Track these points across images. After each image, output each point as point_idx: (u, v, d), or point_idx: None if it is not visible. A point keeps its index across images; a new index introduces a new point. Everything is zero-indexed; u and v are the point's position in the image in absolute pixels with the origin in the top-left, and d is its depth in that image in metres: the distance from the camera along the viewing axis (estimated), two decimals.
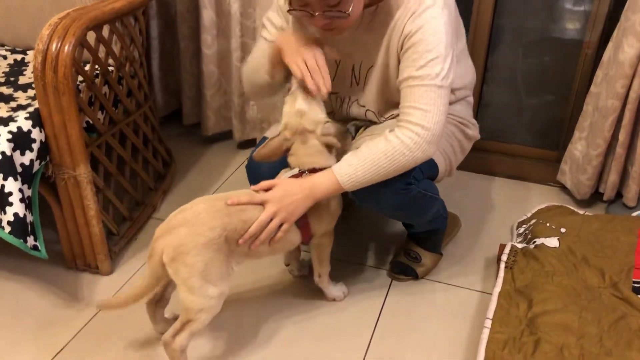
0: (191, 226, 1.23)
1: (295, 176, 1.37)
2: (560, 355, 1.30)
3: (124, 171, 1.84)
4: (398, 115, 1.47)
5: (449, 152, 1.55)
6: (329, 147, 1.38)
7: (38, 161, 1.45)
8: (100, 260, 1.65)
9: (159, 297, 1.40)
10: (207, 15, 2.10)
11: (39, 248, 1.41)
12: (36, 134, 1.43)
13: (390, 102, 1.47)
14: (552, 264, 1.58)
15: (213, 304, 1.26)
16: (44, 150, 1.47)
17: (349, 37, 1.41)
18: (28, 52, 1.97)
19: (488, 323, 1.43)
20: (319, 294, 1.60)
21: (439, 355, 1.44)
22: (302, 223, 1.38)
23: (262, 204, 1.30)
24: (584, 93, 2.00)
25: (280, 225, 1.31)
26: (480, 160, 2.24)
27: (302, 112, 1.35)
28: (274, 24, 1.52)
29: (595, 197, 2.03)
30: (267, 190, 1.32)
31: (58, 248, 1.71)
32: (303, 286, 1.66)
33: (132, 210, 1.88)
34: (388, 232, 1.94)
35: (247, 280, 1.68)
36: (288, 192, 1.31)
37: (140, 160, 1.93)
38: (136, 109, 1.88)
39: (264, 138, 1.57)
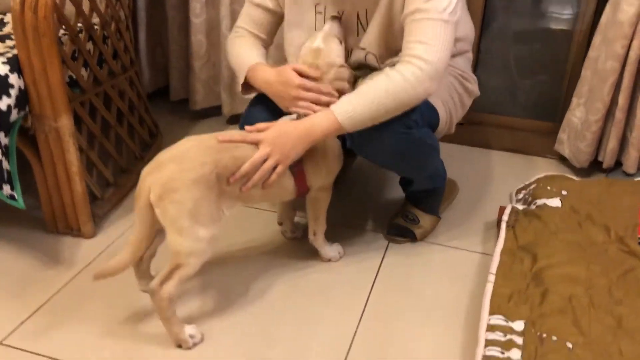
0: (180, 162, 1.15)
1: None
2: (569, 304, 1.24)
3: (108, 135, 1.76)
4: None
5: (450, 103, 1.49)
6: (338, 92, 1.32)
7: (16, 110, 1.37)
8: (83, 222, 1.56)
9: (138, 258, 1.31)
10: None
11: (16, 197, 1.33)
12: (14, 79, 1.35)
13: (392, 47, 1.41)
14: (555, 222, 1.52)
15: (203, 246, 1.18)
16: (23, 99, 1.39)
17: None
18: (7, 13, 1.89)
19: (491, 278, 1.36)
20: (313, 255, 1.53)
21: (441, 315, 1.37)
22: (297, 170, 1.31)
23: (255, 143, 1.23)
24: (580, 62, 1.96)
25: (275, 168, 1.24)
26: (477, 133, 2.20)
27: (319, 51, 1.32)
28: None
29: (594, 166, 1.98)
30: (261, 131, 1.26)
31: (38, 214, 1.62)
32: (297, 247, 1.58)
33: (117, 176, 1.80)
34: (385, 195, 1.88)
35: (238, 239, 1.61)
36: (283, 132, 1.24)
37: (125, 125, 1.85)
38: (122, 71, 1.81)
39: (258, 98, 1.52)
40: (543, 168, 2.05)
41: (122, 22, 1.78)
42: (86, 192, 1.55)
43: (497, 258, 1.43)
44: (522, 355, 1.13)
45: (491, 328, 1.21)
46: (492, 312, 1.26)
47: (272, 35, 1.56)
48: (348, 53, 1.47)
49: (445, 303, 1.40)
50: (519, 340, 1.17)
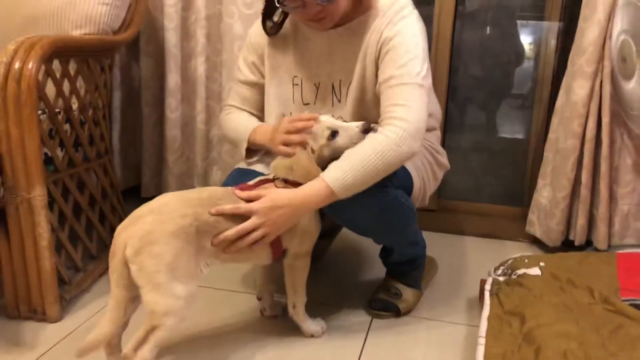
0: (159, 214, 1.13)
1: (265, 181, 1.32)
2: (564, 358, 1.19)
3: (79, 219, 1.72)
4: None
5: (422, 172, 1.52)
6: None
7: None
8: (49, 303, 1.47)
9: (121, 325, 1.22)
10: (173, 79, 2.13)
11: None
12: None
13: (365, 117, 1.47)
14: (537, 287, 1.51)
15: (180, 305, 1.12)
16: None
17: (327, 56, 1.44)
18: None
19: (482, 341, 1.31)
20: (294, 332, 1.45)
21: None
22: (274, 240, 1.29)
23: (248, 214, 1.22)
24: (541, 146, 2.07)
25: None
26: (450, 220, 2.23)
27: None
28: (246, 61, 1.56)
29: (567, 245, 2.01)
30: (250, 200, 1.25)
31: None
32: (277, 325, 1.51)
33: (86, 262, 1.73)
34: (365, 273, 1.85)
35: (214, 318, 1.53)
36: (276, 205, 1.23)
37: (97, 211, 1.82)
38: (97, 157, 1.81)
39: (237, 169, 1.54)
40: (516, 250, 2.06)
41: (99, 110, 1.82)
42: (55, 271, 1.47)
43: (484, 323, 1.39)
44: None
45: None
46: None
47: (261, 111, 1.59)
48: None
49: None
50: None
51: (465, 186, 2.33)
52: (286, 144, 1.35)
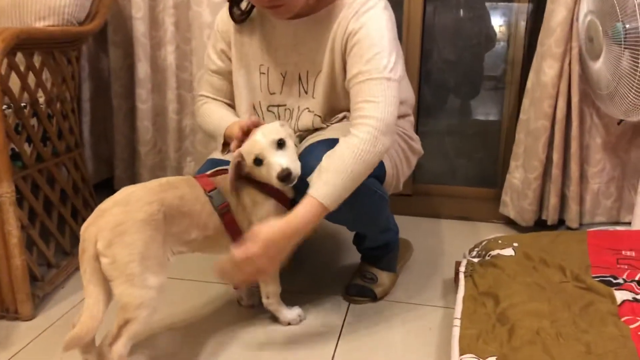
0: (126, 204, 1.13)
1: (223, 170, 1.34)
2: (538, 336, 1.21)
3: (51, 215, 1.69)
4: (342, 118, 1.47)
5: (395, 158, 1.53)
6: None
7: None
8: (21, 302, 1.44)
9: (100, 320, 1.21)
10: (142, 68, 2.10)
11: None
12: None
13: (336, 108, 1.47)
14: (511, 267, 1.53)
15: (153, 295, 1.12)
16: None
17: (293, 45, 1.43)
18: None
19: (457, 322, 1.33)
20: (272, 321, 1.46)
21: None
22: (227, 218, 1.29)
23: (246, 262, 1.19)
24: (513, 127, 2.09)
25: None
26: (424, 203, 2.24)
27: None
28: (215, 49, 1.54)
29: (540, 225, 2.03)
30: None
31: None
32: (254, 314, 1.51)
33: (58, 259, 1.70)
34: (340, 259, 1.85)
35: (189, 309, 1.53)
36: (272, 244, 1.19)
37: (69, 207, 1.79)
38: (66, 152, 1.78)
39: (210, 159, 1.52)
40: (491, 232, 2.08)
41: (67, 103, 1.78)
42: (26, 269, 1.45)
43: (460, 304, 1.41)
44: None
45: None
46: (462, 353, 1.21)
47: (233, 100, 1.57)
48: (290, 112, 1.51)
49: (414, 355, 1.34)
50: None
51: (439, 170, 2.35)
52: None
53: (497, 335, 1.25)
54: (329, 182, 1.23)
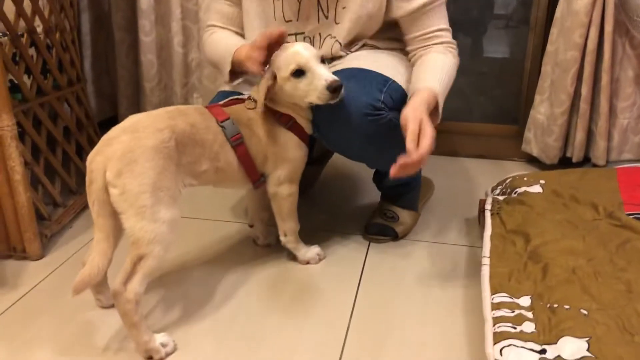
0: (134, 131, 1.04)
1: (237, 100, 1.26)
2: (574, 275, 1.15)
3: (55, 153, 1.61)
4: (362, 46, 1.37)
5: None
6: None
7: None
8: (28, 241, 1.38)
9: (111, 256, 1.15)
10: None
11: None
12: None
13: (361, 35, 1.36)
14: (540, 204, 1.46)
15: (166, 230, 1.04)
16: None
17: None
18: None
19: (486, 261, 1.26)
20: (290, 260, 1.40)
21: (437, 305, 1.25)
22: (239, 150, 1.22)
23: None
24: (537, 60, 1.97)
25: None
26: (442, 141, 2.14)
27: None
28: None
29: (564, 162, 1.95)
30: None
31: None
32: (272, 253, 1.45)
33: (65, 198, 1.64)
34: (360, 198, 1.80)
35: (204, 248, 1.47)
36: (418, 106, 1.18)
37: (73, 144, 1.71)
38: (68, 85, 1.68)
39: (220, 92, 1.43)
40: (513, 170, 2.01)
41: (67, 33, 1.67)
42: (32, 206, 1.38)
43: (488, 243, 1.34)
44: (535, 327, 1.03)
45: (497, 306, 1.11)
46: (494, 292, 1.15)
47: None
48: (310, 40, 1.41)
49: (440, 294, 1.29)
50: (528, 314, 1.07)
51: (456, 107, 2.24)
52: (251, 60, 1.23)
53: (530, 274, 1.19)
54: (437, 79, 1.26)
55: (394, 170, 1.12)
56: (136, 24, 2.02)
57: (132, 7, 2.05)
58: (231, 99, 1.28)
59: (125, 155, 1.00)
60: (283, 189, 1.31)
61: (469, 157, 2.15)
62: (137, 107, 2.18)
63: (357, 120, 1.22)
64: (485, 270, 1.23)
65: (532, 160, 2.05)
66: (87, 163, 1.04)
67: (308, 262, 1.40)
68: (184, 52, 2.06)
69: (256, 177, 1.27)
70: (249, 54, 1.23)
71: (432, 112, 1.23)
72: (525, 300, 1.11)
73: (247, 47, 1.27)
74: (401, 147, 1.36)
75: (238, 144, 1.21)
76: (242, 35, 1.45)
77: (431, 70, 1.28)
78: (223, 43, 1.40)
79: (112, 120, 2.26)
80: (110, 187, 1.01)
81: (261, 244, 1.48)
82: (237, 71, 1.35)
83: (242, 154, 1.22)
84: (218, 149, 1.18)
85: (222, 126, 1.19)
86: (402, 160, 1.11)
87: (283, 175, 1.30)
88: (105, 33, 2.18)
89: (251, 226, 1.47)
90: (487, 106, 2.28)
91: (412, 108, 1.16)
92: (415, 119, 1.14)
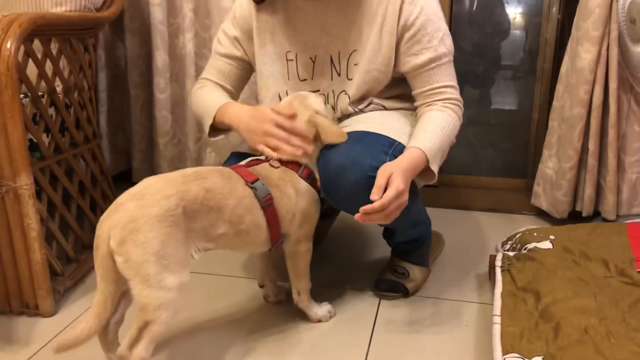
0: (140, 198, 1.04)
1: (258, 161, 1.27)
2: (586, 335, 1.14)
3: (70, 208, 1.64)
4: (369, 104, 1.40)
5: None
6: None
7: None
8: (41, 297, 1.39)
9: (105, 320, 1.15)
10: (161, 57, 2.04)
11: None
12: None
13: (370, 91, 1.40)
14: (550, 261, 1.46)
15: (173, 296, 1.03)
16: None
17: (321, 27, 1.36)
18: None
19: (497, 319, 1.26)
20: (301, 317, 1.40)
21: None
22: (269, 211, 1.21)
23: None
24: (544, 115, 2.01)
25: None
26: (453, 195, 2.17)
27: (297, 97, 1.35)
28: (228, 35, 1.48)
29: (574, 216, 1.95)
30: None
31: None
32: (282, 310, 1.44)
33: (78, 253, 1.65)
34: (369, 252, 1.80)
35: (214, 305, 1.47)
36: (406, 170, 1.21)
37: (88, 199, 1.74)
38: (85, 142, 1.72)
39: (233, 153, 1.47)
40: (523, 223, 2.01)
41: (85, 92, 1.73)
42: (46, 263, 1.40)
43: (498, 300, 1.34)
44: None
45: None
46: (505, 352, 1.15)
47: (238, 89, 1.52)
48: (325, 97, 1.44)
49: (451, 353, 1.28)
50: None
51: (465, 160, 2.27)
52: (271, 146, 1.27)
53: (542, 334, 1.18)
54: (428, 139, 1.27)
55: (357, 215, 1.16)
56: (151, 81, 2.08)
57: (147, 65, 2.12)
58: (252, 160, 1.29)
59: (129, 224, 1.01)
60: (302, 247, 1.32)
61: (479, 211, 2.15)
62: (151, 161, 2.23)
63: (362, 182, 1.24)
64: (497, 329, 1.23)
65: (541, 213, 2.05)
66: (97, 227, 1.06)
67: (319, 320, 1.39)
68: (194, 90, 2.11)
69: (277, 238, 1.26)
70: (263, 140, 1.27)
71: (426, 171, 1.27)
72: None
73: (243, 114, 1.31)
74: (408, 206, 1.38)
75: (268, 204, 1.21)
76: (233, 94, 1.49)
77: (425, 129, 1.30)
78: (209, 97, 1.43)
79: (125, 174, 2.31)
80: (115, 255, 1.02)
81: (272, 302, 1.47)
82: (217, 128, 1.39)
83: (271, 214, 1.22)
84: (242, 212, 1.16)
85: (252, 187, 1.19)
86: (363, 208, 1.15)
87: (303, 233, 1.31)
88: (121, 90, 2.25)
89: (262, 286, 1.46)
90: (495, 158, 2.30)
91: (388, 165, 1.21)
92: (383, 174, 1.18)
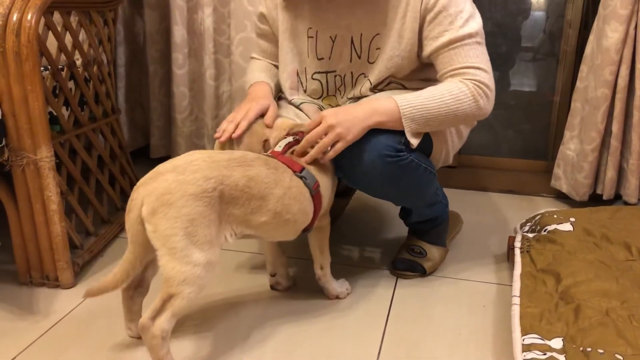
0: (181, 172, 1.03)
1: (294, 143, 1.26)
2: (608, 317, 1.13)
3: (89, 182, 1.65)
4: (388, 84, 1.39)
5: (446, 130, 1.43)
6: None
7: None
8: (61, 269, 1.41)
9: (138, 280, 1.16)
10: (179, 32, 2.02)
11: None
12: None
13: (393, 75, 1.37)
14: (570, 243, 1.44)
15: (198, 273, 1.03)
16: (0, 129, 1.28)
17: (349, 7, 1.34)
18: None
19: (516, 300, 1.25)
20: (317, 295, 1.40)
21: (467, 344, 1.23)
22: (318, 202, 1.22)
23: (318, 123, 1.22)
24: (567, 96, 1.97)
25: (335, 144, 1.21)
26: (471, 176, 2.15)
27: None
28: (259, 13, 1.50)
29: (594, 199, 1.93)
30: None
31: (8, 267, 1.48)
32: (296, 290, 1.44)
33: (97, 227, 1.67)
34: (385, 231, 1.78)
35: (230, 284, 1.47)
36: (344, 109, 1.22)
37: (106, 174, 1.74)
38: (103, 117, 1.73)
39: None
40: (542, 206, 2.00)
41: (104, 66, 1.72)
42: (66, 235, 1.41)
43: (517, 282, 1.33)
44: None
45: (527, 348, 1.09)
46: (524, 333, 1.14)
47: None
48: (341, 79, 1.43)
49: (469, 333, 1.27)
50: (560, 357, 1.05)
51: (484, 141, 2.24)
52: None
53: (562, 315, 1.17)
54: (415, 94, 1.24)
55: (304, 158, 1.22)
56: (170, 57, 2.08)
57: (166, 41, 2.11)
58: (288, 143, 1.26)
59: (164, 195, 1.00)
60: (324, 220, 1.32)
61: (497, 192, 2.13)
62: (169, 137, 2.23)
63: (378, 161, 1.23)
64: (516, 310, 1.22)
65: (560, 196, 2.03)
66: (133, 190, 1.06)
67: (337, 297, 1.39)
68: (216, 84, 2.10)
69: (316, 217, 1.25)
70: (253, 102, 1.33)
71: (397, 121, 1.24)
72: (557, 343, 1.09)
73: (257, 93, 1.38)
74: (424, 186, 1.37)
75: (317, 192, 1.21)
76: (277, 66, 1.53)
77: (416, 92, 1.26)
78: (248, 76, 1.52)
79: (143, 150, 2.32)
80: (145, 222, 1.02)
81: (282, 289, 1.45)
82: None
83: (318, 201, 1.22)
84: (289, 202, 1.15)
85: (302, 177, 1.19)
86: (297, 151, 1.23)
87: (329, 207, 1.31)
88: (139, 66, 2.24)
89: (273, 275, 1.44)
90: (514, 140, 2.26)
91: (335, 109, 1.24)
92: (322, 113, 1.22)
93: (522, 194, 2.11)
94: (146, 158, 2.30)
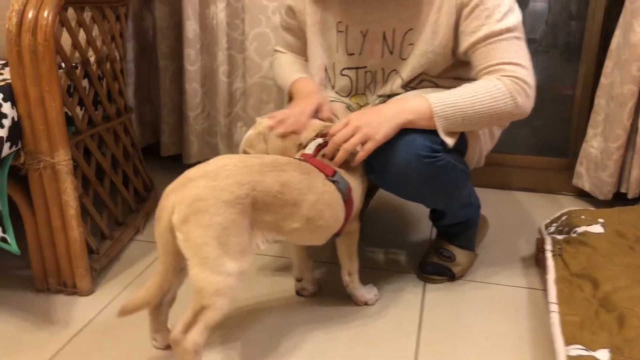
0: (213, 178, 0.98)
1: (323, 145, 1.21)
2: None
3: (103, 183, 1.59)
4: (420, 82, 1.34)
5: (480, 132, 1.39)
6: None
7: (8, 144, 1.20)
8: (79, 276, 1.35)
9: (166, 290, 1.12)
10: (191, 27, 1.96)
11: (9, 241, 1.13)
12: (7, 109, 1.19)
13: (426, 72, 1.33)
14: (604, 247, 1.40)
15: (231, 283, 0.99)
16: (17, 132, 1.23)
17: (379, 1, 1.29)
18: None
19: (554, 307, 1.21)
20: (345, 301, 1.35)
21: (503, 351, 1.19)
22: (350, 207, 1.18)
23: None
24: (588, 92, 1.93)
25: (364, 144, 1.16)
26: (492, 174, 2.10)
27: None
28: (285, 7, 1.47)
29: (617, 198, 1.89)
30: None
31: (25, 273, 1.43)
32: (323, 297, 1.40)
33: (111, 229, 1.61)
34: (410, 233, 1.74)
35: (255, 293, 1.42)
36: (371, 110, 1.18)
37: (120, 174, 1.69)
38: (116, 116, 1.67)
39: None
40: (564, 204, 1.96)
41: (117, 63, 1.66)
42: (84, 241, 1.36)
43: (553, 287, 1.29)
44: None
45: (573, 359, 1.05)
46: (568, 343, 1.10)
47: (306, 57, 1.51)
48: (372, 75, 1.38)
49: (505, 340, 1.23)
50: None
51: (503, 138, 2.19)
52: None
53: (604, 324, 1.13)
54: (447, 92, 1.19)
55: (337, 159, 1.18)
56: (181, 52, 2.01)
57: (177, 36, 2.05)
58: (319, 145, 1.21)
59: (196, 202, 0.96)
60: (354, 225, 1.28)
61: (519, 190, 2.09)
62: (180, 134, 2.17)
63: (414, 162, 1.18)
64: (555, 318, 1.18)
65: (582, 194, 1.99)
66: (162, 197, 1.01)
67: (366, 303, 1.35)
68: (229, 81, 2.04)
69: (347, 222, 1.21)
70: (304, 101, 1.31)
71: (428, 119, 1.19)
72: (603, 354, 1.05)
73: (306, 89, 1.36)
74: (459, 188, 1.33)
75: (348, 197, 1.17)
76: (304, 60, 1.51)
77: (450, 90, 1.21)
78: (283, 71, 1.49)
79: (152, 148, 2.26)
80: (176, 231, 0.97)
81: (308, 295, 1.40)
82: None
83: (350, 205, 1.18)
84: (322, 207, 1.11)
85: (334, 181, 1.14)
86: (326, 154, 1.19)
87: (357, 213, 1.27)
88: (148, 61, 2.18)
89: (299, 280, 1.40)
90: (533, 137, 2.22)
91: (363, 110, 1.21)
92: (349, 118, 1.18)
93: (544, 192, 2.07)
94: (156, 156, 2.24)
